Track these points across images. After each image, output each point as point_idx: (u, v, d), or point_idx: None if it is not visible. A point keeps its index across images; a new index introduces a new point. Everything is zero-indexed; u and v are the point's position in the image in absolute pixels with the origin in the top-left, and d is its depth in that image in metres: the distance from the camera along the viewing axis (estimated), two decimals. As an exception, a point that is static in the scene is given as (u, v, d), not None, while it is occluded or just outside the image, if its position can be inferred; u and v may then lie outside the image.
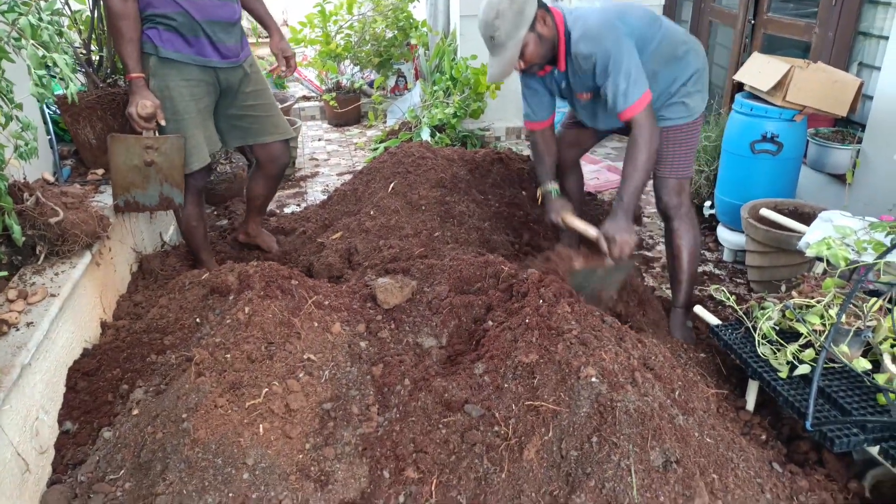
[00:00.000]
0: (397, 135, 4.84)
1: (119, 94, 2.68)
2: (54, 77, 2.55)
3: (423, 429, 1.67)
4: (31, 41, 1.48)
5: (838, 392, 1.78)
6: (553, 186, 2.49)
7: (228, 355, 1.79)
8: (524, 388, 1.68)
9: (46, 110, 2.70)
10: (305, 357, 1.81)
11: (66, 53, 1.72)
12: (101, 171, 2.71)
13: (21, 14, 1.61)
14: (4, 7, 1.50)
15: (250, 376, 1.74)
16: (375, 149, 4.79)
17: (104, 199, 2.43)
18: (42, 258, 2.07)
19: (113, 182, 2.42)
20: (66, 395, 1.90)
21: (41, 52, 1.52)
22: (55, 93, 2.84)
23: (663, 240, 2.82)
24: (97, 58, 2.85)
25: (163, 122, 2.41)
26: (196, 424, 1.60)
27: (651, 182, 2.47)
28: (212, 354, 1.81)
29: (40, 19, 1.53)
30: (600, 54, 2.12)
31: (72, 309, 2.00)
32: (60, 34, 1.72)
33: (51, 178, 2.53)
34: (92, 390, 1.92)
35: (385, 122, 5.58)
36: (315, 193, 4.26)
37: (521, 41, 2.10)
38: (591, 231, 2.30)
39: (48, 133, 2.67)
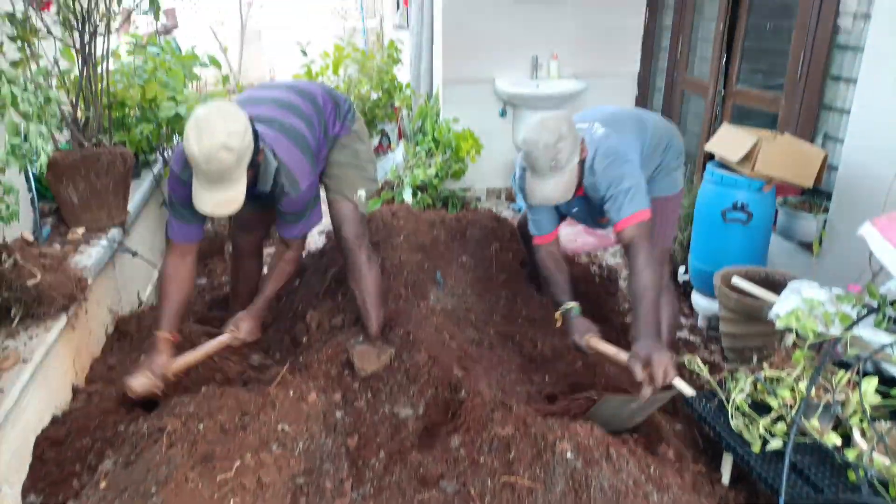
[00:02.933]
0: (379, 194, 4.90)
1: (104, 153, 2.70)
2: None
3: (397, 504, 1.66)
4: (12, 109, 1.51)
5: (810, 468, 1.80)
6: (572, 304, 2.33)
7: (201, 425, 1.77)
8: (500, 463, 1.68)
9: (29, 168, 2.71)
10: (279, 428, 1.80)
11: (48, 121, 1.74)
12: (81, 231, 2.71)
13: (10, 81, 1.65)
14: (-8, 77, 1.54)
15: (223, 448, 1.72)
16: (357, 206, 4.84)
17: (83, 260, 2.43)
18: (16, 321, 2.04)
19: None
20: (33, 465, 1.86)
21: (20, 121, 1.55)
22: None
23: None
24: (83, 117, 2.89)
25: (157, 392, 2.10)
26: (166, 499, 1.57)
27: None
28: (184, 424, 1.78)
29: (25, 89, 1.56)
30: (609, 180, 2.20)
31: (43, 374, 1.97)
32: (48, 99, 1.76)
33: (30, 238, 2.52)
34: (59, 460, 1.88)
35: (368, 179, 5.65)
36: (312, 238, 4.26)
37: (576, 166, 2.14)
38: (621, 356, 2.12)
39: (30, 191, 2.67)
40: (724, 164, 3.18)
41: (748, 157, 3.00)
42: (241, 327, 2.25)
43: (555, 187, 2.12)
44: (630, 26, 5.03)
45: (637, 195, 2.19)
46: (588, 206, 2.40)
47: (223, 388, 1.94)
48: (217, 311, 3.01)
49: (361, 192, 2.49)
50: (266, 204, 2.27)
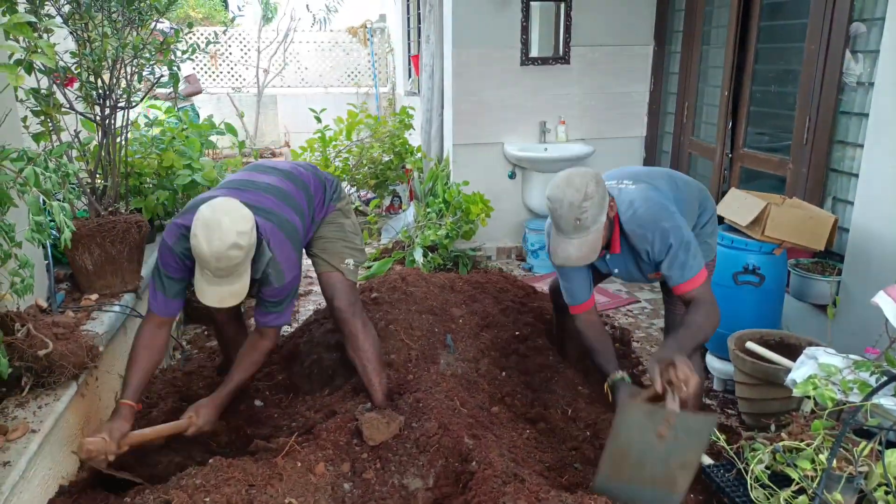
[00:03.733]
0: (391, 253, 4.94)
1: (120, 221, 2.76)
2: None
3: (406, 583, 1.60)
4: (34, 188, 1.56)
5: (835, 544, 1.73)
6: (621, 374, 2.21)
7: (208, 499, 1.74)
8: (512, 539, 1.63)
9: (47, 241, 2.77)
10: (287, 501, 1.76)
11: (69, 197, 1.79)
12: (94, 297, 2.74)
13: (31, 160, 1.70)
14: (14, 156, 1.59)
15: (229, 523, 1.69)
16: (369, 267, 4.87)
17: (95, 327, 2.44)
18: (27, 390, 2.05)
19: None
20: (37, 539, 1.83)
21: (41, 198, 1.59)
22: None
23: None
24: (101, 187, 2.96)
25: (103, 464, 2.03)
26: (169, 577, 1.53)
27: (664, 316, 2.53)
28: (190, 497, 1.76)
29: (46, 168, 1.62)
30: (659, 234, 2.12)
31: (51, 444, 1.96)
32: (67, 175, 1.81)
33: (44, 305, 2.55)
34: (64, 533, 1.85)
35: (380, 240, 5.71)
36: (307, 312, 4.28)
37: (603, 225, 2.06)
38: (650, 364, 1.97)
39: (46, 258, 2.72)
40: (734, 228, 3.19)
41: (757, 222, 3.01)
42: (200, 414, 2.19)
43: (578, 248, 2.04)
44: (635, 92, 5.16)
45: (697, 252, 2.13)
46: (634, 262, 2.29)
47: (230, 460, 1.92)
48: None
49: (349, 261, 2.51)
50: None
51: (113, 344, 2.58)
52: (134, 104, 3.00)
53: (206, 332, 3.85)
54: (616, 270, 2.40)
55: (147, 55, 2.89)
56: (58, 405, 2.01)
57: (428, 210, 5.01)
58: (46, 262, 2.73)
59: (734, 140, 4.13)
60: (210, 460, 1.89)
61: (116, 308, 2.67)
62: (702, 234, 2.44)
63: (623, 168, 2.52)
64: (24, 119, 2.62)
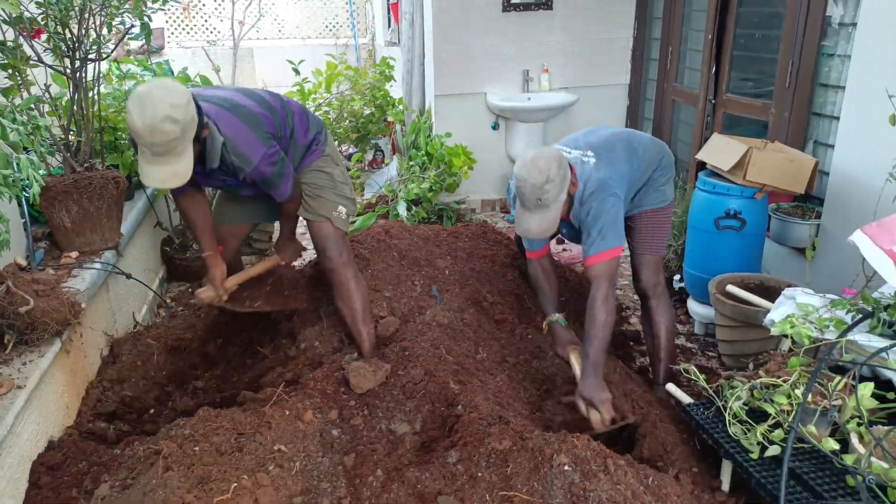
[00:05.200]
0: (374, 208, 4.91)
1: (96, 177, 2.71)
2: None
3: (395, 522, 1.65)
4: (0, 141, 1.52)
5: (809, 473, 1.79)
6: (558, 316, 2.51)
7: (197, 447, 1.76)
8: (498, 477, 1.67)
9: (21, 195, 2.71)
10: (276, 448, 1.79)
11: (38, 150, 1.75)
12: (74, 255, 2.70)
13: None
14: (-19, 108, 1.55)
15: (219, 470, 1.71)
16: (353, 222, 4.85)
17: (76, 284, 2.42)
18: (10, 347, 2.04)
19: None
20: (29, 492, 1.85)
21: (8, 150, 1.55)
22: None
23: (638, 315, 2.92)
24: (75, 141, 2.89)
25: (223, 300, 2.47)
26: (162, 523, 1.56)
27: (630, 262, 2.69)
28: (180, 447, 1.78)
29: (14, 120, 1.57)
30: (592, 213, 2.30)
31: (38, 400, 1.97)
32: (37, 128, 1.77)
33: (23, 262, 2.52)
34: (55, 486, 1.87)
35: (363, 195, 5.67)
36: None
37: (562, 202, 2.22)
38: (578, 375, 2.29)
39: (22, 216, 2.67)
40: (715, 173, 3.20)
41: (739, 166, 3.02)
42: (284, 249, 2.57)
43: (539, 222, 2.21)
44: (619, 38, 5.08)
45: (609, 233, 2.27)
46: (573, 230, 2.51)
47: (219, 410, 1.93)
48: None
49: (341, 209, 2.50)
50: (235, 186, 2.39)
51: (95, 301, 2.57)
52: (105, 57, 2.92)
53: (189, 290, 3.83)
54: (563, 231, 2.61)
55: (116, 4, 2.79)
56: (42, 361, 2.01)
57: (411, 163, 4.97)
58: (23, 220, 2.68)
59: (717, 86, 4.10)
60: (199, 411, 1.91)
61: (97, 265, 2.65)
62: (654, 185, 2.57)
63: (590, 133, 2.61)
64: (-9, 73, 2.54)
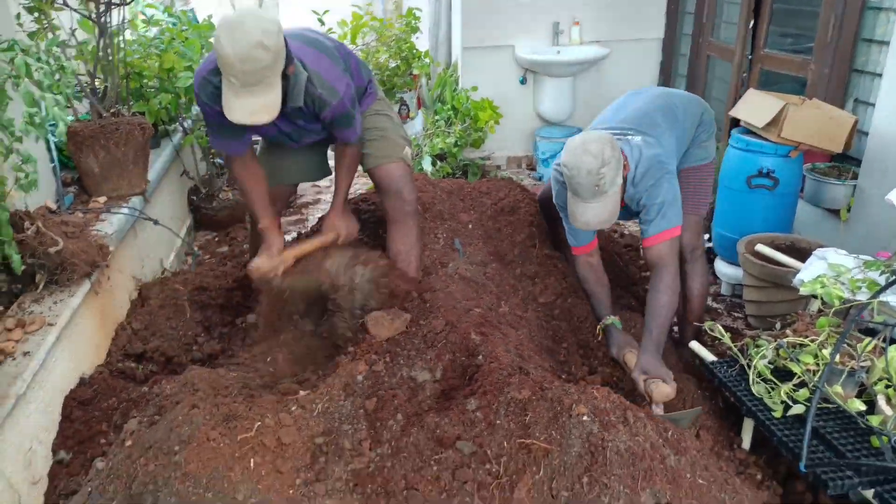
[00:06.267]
0: (400, 162, 4.88)
1: (122, 123, 2.72)
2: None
3: (414, 465, 1.67)
4: (26, 79, 1.52)
5: (832, 433, 1.77)
6: (614, 319, 2.35)
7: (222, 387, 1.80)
8: (516, 425, 1.68)
9: (51, 138, 2.74)
10: (300, 394, 1.82)
11: (63, 91, 1.74)
12: (102, 199, 2.74)
13: (23, 51, 1.65)
14: (4, 45, 1.54)
15: (244, 408, 1.75)
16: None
17: (104, 228, 2.46)
18: (41, 287, 2.08)
19: None
20: (62, 425, 1.91)
21: (34, 90, 1.55)
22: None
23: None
24: (101, 87, 2.90)
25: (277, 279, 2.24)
26: (188, 457, 1.60)
27: None
28: (208, 385, 1.81)
29: (38, 59, 1.57)
30: (649, 192, 2.18)
31: (69, 338, 2.02)
32: (62, 69, 1.76)
33: (53, 206, 2.56)
34: (87, 420, 1.93)
35: (387, 150, 5.64)
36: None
37: (619, 186, 2.09)
38: (635, 374, 2.14)
39: (52, 161, 2.70)
40: (749, 130, 3.11)
41: (774, 123, 2.93)
42: (338, 225, 2.33)
43: (600, 212, 2.07)
44: (654, -11, 4.91)
45: (669, 211, 2.16)
46: (628, 213, 2.37)
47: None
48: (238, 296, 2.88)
49: (407, 150, 2.46)
50: (303, 133, 2.28)
51: (123, 245, 2.61)
52: (129, 1, 2.89)
53: (216, 239, 3.88)
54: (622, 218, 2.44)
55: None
56: (73, 300, 2.05)
57: (436, 118, 4.91)
58: (53, 164, 2.71)
59: (755, 40, 3.95)
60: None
61: (125, 210, 2.68)
62: (697, 142, 2.47)
63: (620, 107, 2.48)
64: (18, 16, 2.54)
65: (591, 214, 2.08)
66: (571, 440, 1.60)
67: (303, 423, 1.74)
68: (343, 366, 1.95)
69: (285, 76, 1.93)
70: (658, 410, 2.03)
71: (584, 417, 1.63)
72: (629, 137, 2.27)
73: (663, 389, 2.01)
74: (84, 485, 1.70)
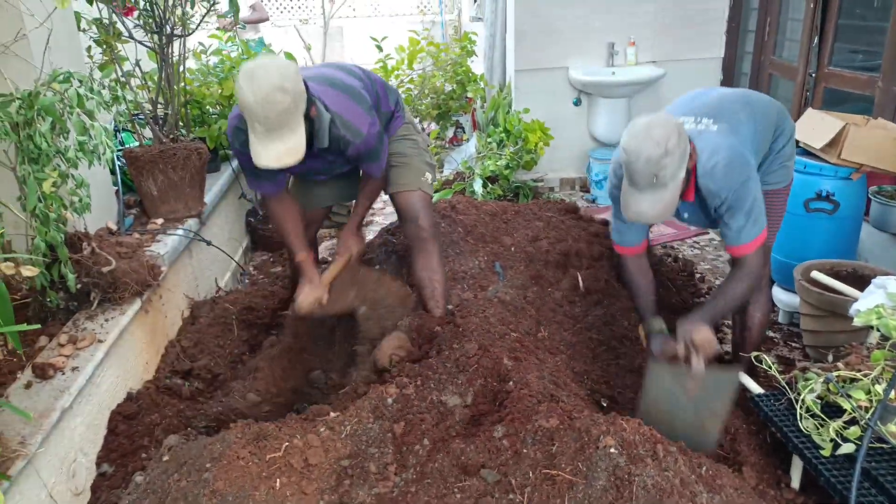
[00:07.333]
0: (451, 185, 4.91)
1: (180, 148, 2.86)
2: (120, 132, 2.74)
3: (438, 492, 1.66)
4: (77, 109, 1.62)
5: (885, 476, 1.65)
6: (659, 325, 2.19)
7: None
8: (542, 455, 1.65)
9: (117, 162, 2.90)
10: (329, 412, 1.84)
11: (118, 119, 1.85)
12: (160, 221, 2.87)
13: (81, 81, 1.77)
14: (61, 77, 1.66)
15: (274, 427, 1.79)
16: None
17: (158, 248, 2.57)
18: (95, 304, 2.20)
19: None
20: (107, 438, 2.00)
21: (85, 119, 1.66)
22: (127, 146, 3.07)
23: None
24: (163, 114, 3.06)
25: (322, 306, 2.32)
26: (217, 475, 1.64)
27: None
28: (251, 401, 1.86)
29: (91, 89, 1.67)
30: (730, 194, 1.99)
31: (118, 354, 2.11)
32: (116, 98, 1.88)
33: (114, 227, 2.70)
34: (130, 434, 2.01)
35: (441, 172, 5.69)
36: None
37: (681, 180, 1.89)
38: (678, 325, 2.03)
39: (115, 184, 2.86)
40: (808, 152, 2.97)
41: (833, 144, 2.79)
42: (350, 245, 2.44)
43: (652, 205, 1.87)
44: (713, 8, 4.79)
45: (760, 216, 2.01)
46: (704, 210, 2.14)
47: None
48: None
49: (427, 175, 2.50)
50: (332, 167, 2.36)
51: (177, 265, 2.72)
52: (190, 32, 3.05)
53: (271, 260, 3.99)
54: (686, 215, 2.27)
55: (201, -20, 2.92)
56: (123, 319, 2.15)
57: (489, 140, 4.92)
58: (116, 188, 2.87)
59: (819, 58, 3.79)
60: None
61: (180, 232, 2.80)
62: (778, 158, 2.26)
63: (697, 95, 2.29)
64: (89, 49, 2.72)
65: (646, 206, 1.87)
66: (597, 473, 1.55)
67: (330, 444, 1.76)
68: (374, 388, 1.97)
69: (309, 118, 1.99)
70: (700, 366, 1.94)
71: (612, 450, 1.58)
72: (703, 127, 2.08)
73: (706, 334, 1.91)
74: (123, 497, 1.77)
